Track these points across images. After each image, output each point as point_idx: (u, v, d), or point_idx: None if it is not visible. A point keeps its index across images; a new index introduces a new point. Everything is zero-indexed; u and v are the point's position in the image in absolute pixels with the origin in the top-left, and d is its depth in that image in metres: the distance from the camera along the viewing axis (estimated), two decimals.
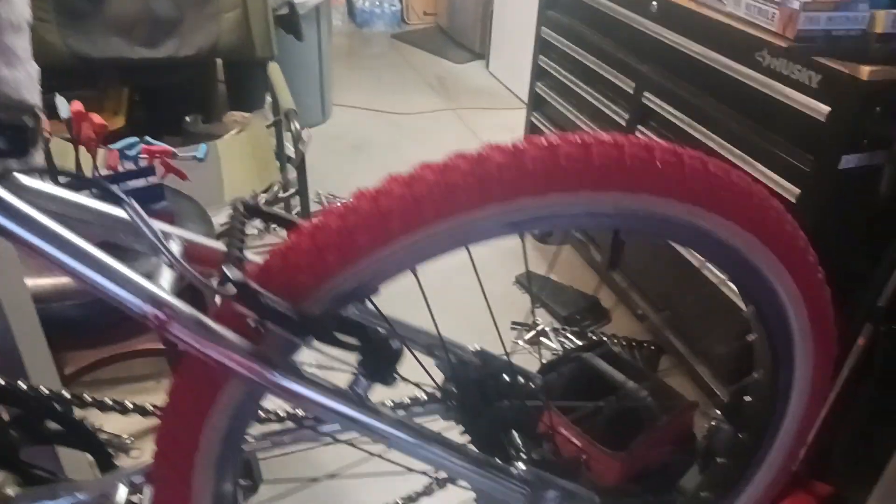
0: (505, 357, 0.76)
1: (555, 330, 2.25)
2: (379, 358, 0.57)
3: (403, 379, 0.68)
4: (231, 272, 0.50)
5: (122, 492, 0.69)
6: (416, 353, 0.73)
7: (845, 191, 1.39)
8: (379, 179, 0.55)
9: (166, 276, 0.53)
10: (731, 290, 1.66)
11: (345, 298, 0.56)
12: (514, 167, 0.54)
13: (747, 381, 0.78)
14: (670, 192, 0.58)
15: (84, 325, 1.39)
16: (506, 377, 0.75)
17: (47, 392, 0.72)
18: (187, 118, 2.58)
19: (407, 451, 0.61)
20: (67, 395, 0.73)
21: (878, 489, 1.41)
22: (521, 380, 0.76)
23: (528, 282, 2.46)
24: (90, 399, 0.76)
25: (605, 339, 2.19)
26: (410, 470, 0.72)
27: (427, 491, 0.87)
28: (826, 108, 1.33)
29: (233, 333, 0.54)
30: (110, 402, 0.77)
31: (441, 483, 0.88)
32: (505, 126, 3.33)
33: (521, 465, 0.67)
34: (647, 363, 2.17)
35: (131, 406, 0.78)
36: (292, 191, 2.07)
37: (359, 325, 0.55)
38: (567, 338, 2.25)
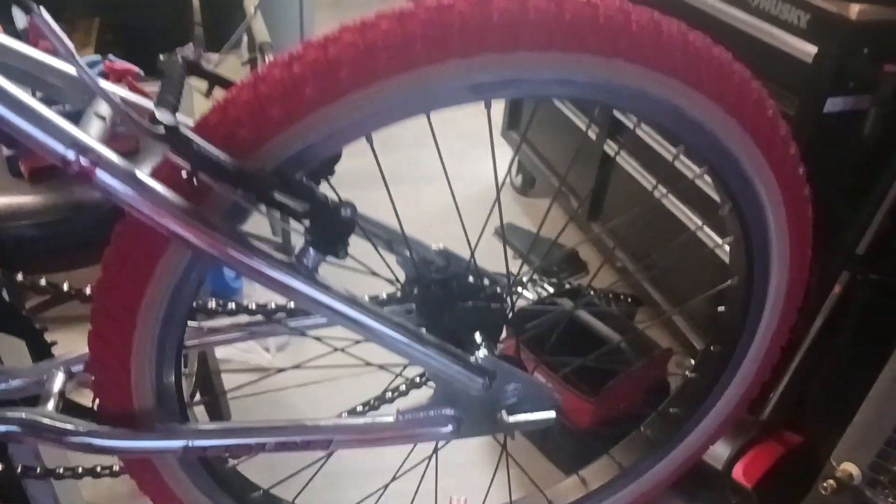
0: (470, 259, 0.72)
1: (532, 281, 2.23)
2: (329, 227, 0.53)
3: (359, 262, 0.64)
4: (161, 113, 0.46)
5: (59, 379, 0.65)
6: (375, 247, 0.69)
7: (829, 135, 1.37)
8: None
9: (96, 127, 0.48)
10: (710, 238, 1.64)
11: (293, 163, 0.52)
12: (479, 18, 0.50)
13: (721, 288, 0.75)
14: (646, 59, 0.54)
15: (42, 248, 1.34)
16: (470, 278, 0.72)
17: None
18: (161, 56, 2.49)
19: (360, 332, 0.58)
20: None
21: (846, 439, 1.41)
22: (486, 281, 0.72)
23: (503, 233, 2.42)
24: (22, 280, 0.72)
25: (581, 287, 2.17)
26: (368, 364, 0.69)
27: (390, 396, 0.84)
28: (813, 49, 1.30)
29: (168, 190, 0.49)
30: (44, 285, 0.73)
31: (408, 385, 0.84)
32: None
33: (480, 354, 0.64)
34: (623, 315, 2.15)
35: (66, 289, 0.74)
36: None
37: (306, 187, 0.51)
38: (544, 289, 2.23)
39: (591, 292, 2.18)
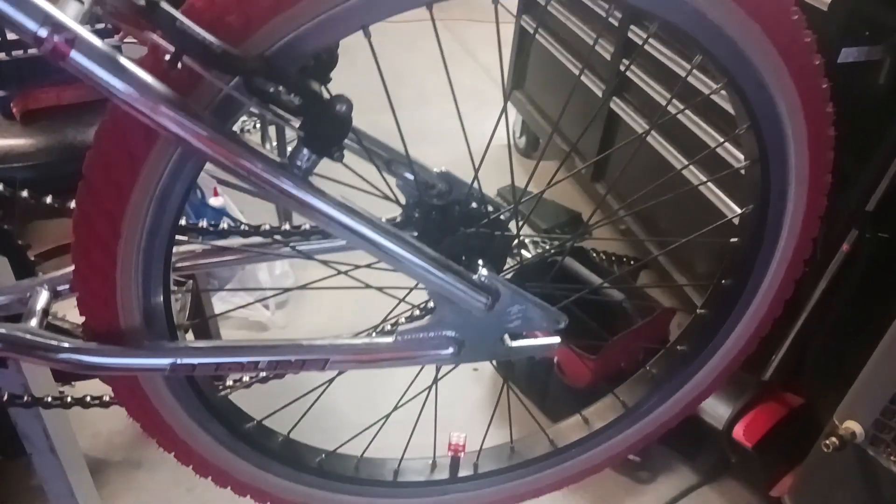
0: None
1: (534, 242, 2.20)
2: (323, 123, 0.49)
3: (359, 177, 0.61)
4: None
5: (43, 298, 0.62)
6: (376, 165, 0.66)
7: (842, 87, 1.33)
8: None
9: (73, 7, 0.45)
10: (718, 198, 1.61)
11: (285, 54, 0.49)
12: None
13: (735, 216, 0.72)
14: None
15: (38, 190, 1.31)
16: (473, 204, 0.68)
17: None
18: None
19: (355, 242, 0.55)
20: None
21: (849, 397, 1.39)
22: (490, 208, 0.69)
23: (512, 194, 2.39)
24: (2, 190, 0.69)
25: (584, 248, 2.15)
26: (370, 286, 0.66)
27: (392, 325, 0.81)
28: None
29: (153, 77, 0.46)
30: (25, 196, 0.70)
31: (410, 317, 0.82)
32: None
33: (483, 272, 0.61)
34: (627, 276, 2.13)
35: (49, 201, 0.71)
36: None
37: (298, 77, 0.48)
38: (546, 251, 2.20)
39: (595, 253, 2.15)
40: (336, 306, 1.99)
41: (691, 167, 1.64)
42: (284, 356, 0.59)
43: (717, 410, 1.72)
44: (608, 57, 2.00)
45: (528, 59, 2.50)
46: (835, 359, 1.66)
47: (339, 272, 0.67)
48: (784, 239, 0.71)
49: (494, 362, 1.92)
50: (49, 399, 0.75)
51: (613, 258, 2.19)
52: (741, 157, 0.72)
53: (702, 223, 1.74)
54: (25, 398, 0.75)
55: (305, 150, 0.51)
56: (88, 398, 0.78)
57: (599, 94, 2.09)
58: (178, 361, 0.58)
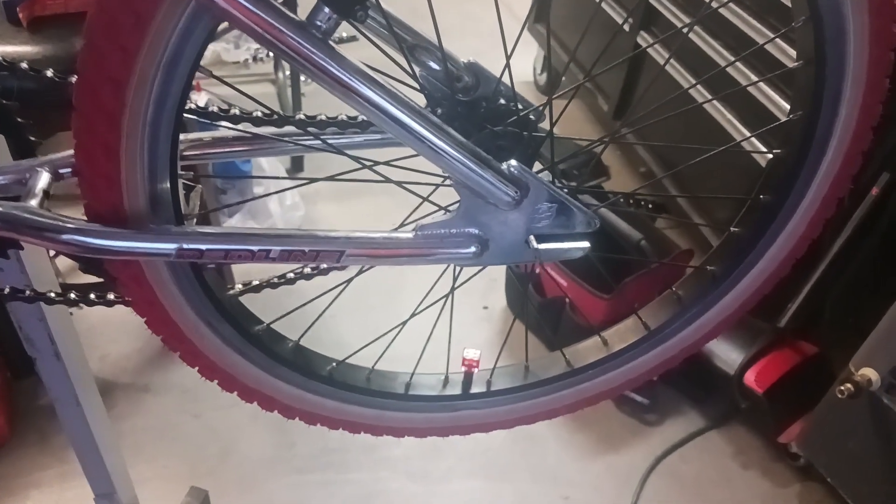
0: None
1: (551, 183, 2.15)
2: None
3: (386, 54, 0.56)
4: None
5: (44, 179, 0.58)
6: (402, 46, 0.61)
7: None
8: None
9: None
10: (746, 140, 1.55)
11: None
12: None
13: (782, 122, 0.67)
14: None
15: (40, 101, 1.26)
16: (503, 101, 0.64)
17: None
18: None
19: (374, 117, 0.50)
20: None
21: (868, 344, 1.36)
22: (521, 106, 0.64)
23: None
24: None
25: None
26: (391, 181, 0.61)
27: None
28: None
29: None
30: (25, 67, 0.66)
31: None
32: None
33: (513, 163, 0.57)
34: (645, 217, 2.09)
35: (51, 75, 0.67)
36: None
37: None
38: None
39: (613, 195, 2.10)
40: None
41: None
42: (298, 246, 0.56)
43: (729, 355, 1.70)
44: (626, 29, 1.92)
45: None
46: (853, 308, 1.62)
47: (364, 166, 0.63)
48: (832, 150, 0.66)
49: (506, 296, 1.90)
50: (52, 294, 0.73)
51: (632, 200, 2.15)
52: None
53: (727, 166, 1.68)
54: (27, 292, 0.73)
55: (326, 9, 0.46)
56: (93, 296, 0.75)
57: (626, 28, 2.01)
58: (185, 246, 0.54)
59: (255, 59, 2.53)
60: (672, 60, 1.78)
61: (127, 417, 1.67)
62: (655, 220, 2.08)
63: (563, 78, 2.44)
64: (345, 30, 0.53)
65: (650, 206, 2.15)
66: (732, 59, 1.54)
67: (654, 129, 1.92)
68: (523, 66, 2.58)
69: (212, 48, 2.46)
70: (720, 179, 1.76)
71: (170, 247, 0.54)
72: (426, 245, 0.58)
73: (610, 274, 1.65)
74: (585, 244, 0.62)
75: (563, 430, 1.69)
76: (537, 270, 1.72)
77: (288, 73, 2.29)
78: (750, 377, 1.65)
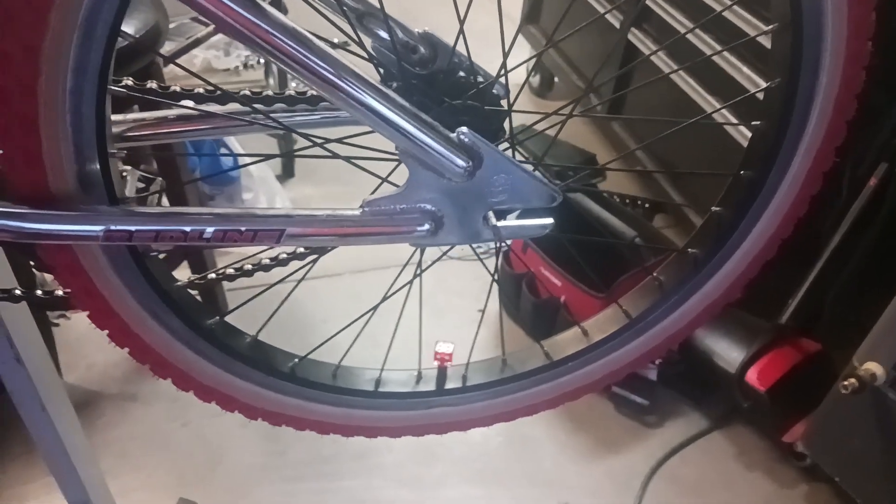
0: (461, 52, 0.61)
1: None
2: None
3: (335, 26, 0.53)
4: None
5: None
6: (349, 18, 0.57)
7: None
8: None
9: None
10: (738, 133, 1.51)
11: None
12: None
13: (761, 89, 0.63)
14: None
15: None
16: (462, 73, 0.60)
17: None
18: None
19: (307, 79, 0.47)
20: None
21: (871, 338, 1.31)
22: (480, 79, 0.61)
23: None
24: None
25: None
26: (337, 156, 0.58)
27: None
28: None
29: None
30: None
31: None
32: None
33: (464, 129, 0.53)
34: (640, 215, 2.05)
35: None
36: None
37: None
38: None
39: (608, 195, 2.06)
40: None
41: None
42: (234, 225, 0.52)
43: (729, 354, 1.65)
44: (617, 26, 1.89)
45: None
46: (855, 304, 1.57)
47: (316, 143, 0.59)
48: (815, 119, 0.62)
49: (499, 299, 1.86)
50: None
51: (627, 200, 2.10)
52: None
53: (718, 154, 1.64)
54: None
55: None
56: (40, 292, 0.72)
57: (617, 25, 1.98)
58: (112, 227, 0.51)
59: (245, 66, 2.52)
60: (662, 57, 1.75)
61: (114, 427, 1.64)
62: (652, 218, 2.04)
63: (556, 79, 2.41)
64: None
65: (646, 205, 2.11)
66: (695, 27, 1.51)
67: (647, 127, 1.88)
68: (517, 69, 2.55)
69: (202, 55, 2.44)
70: (704, 161, 1.72)
71: (95, 228, 0.51)
72: (375, 223, 0.54)
73: (604, 273, 1.61)
74: (548, 220, 0.58)
75: (559, 433, 1.64)
76: (502, 249, 1.67)
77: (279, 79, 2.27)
78: (752, 375, 1.60)
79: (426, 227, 0.55)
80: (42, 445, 0.98)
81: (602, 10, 2.02)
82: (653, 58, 1.73)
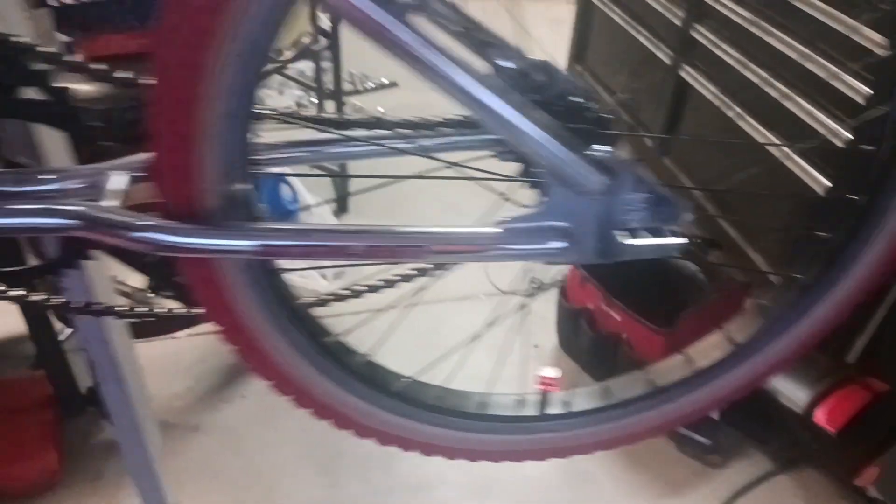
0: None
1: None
2: None
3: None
4: None
5: (117, 181, 0.58)
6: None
7: None
8: None
9: None
10: (797, 165, 1.51)
11: None
12: None
13: (867, 116, 0.64)
14: None
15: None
16: (575, 99, 0.62)
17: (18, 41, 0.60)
18: None
19: (450, 92, 0.48)
20: (45, 50, 0.61)
21: None
22: (593, 105, 0.62)
23: None
24: (71, 59, 0.64)
25: None
26: (470, 178, 0.59)
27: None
28: None
29: None
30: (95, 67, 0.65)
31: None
32: (555, 18, 3.12)
33: (601, 147, 0.55)
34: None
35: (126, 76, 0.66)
36: (323, 43, 1.94)
37: None
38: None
39: None
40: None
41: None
42: (380, 242, 0.54)
43: (795, 393, 1.61)
44: (678, 22, 1.92)
45: (589, 30, 2.43)
46: None
47: (448, 164, 0.61)
48: None
49: (557, 337, 1.85)
50: (118, 308, 0.72)
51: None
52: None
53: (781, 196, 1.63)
54: (95, 306, 0.71)
55: None
56: (158, 310, 0.74)
57: (667, 61, 2.01)
58: (270, 243, 0.53)
59: (299, 105, 2.59)
60: (714, 89, 1.77)
61: (171, 456, 1.65)
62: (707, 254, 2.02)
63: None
64: None
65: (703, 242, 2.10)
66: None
67: (701, 162, 1.88)
68: None
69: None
70: (774, 208, 1.71)
71: (254, 244, 0.53)
72: (514, 240, 0.56)
73: (665, 309, 1.60)
74: (682, 239, 0.59)
75: (618, 471, 1.61)
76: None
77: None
78: (820, 416, 1.56)
79: (563, 244, 0.56)
80: (132, 464, 0.99)
81: (649, 45, 2.05)
82: (712, 106, 1.75)
